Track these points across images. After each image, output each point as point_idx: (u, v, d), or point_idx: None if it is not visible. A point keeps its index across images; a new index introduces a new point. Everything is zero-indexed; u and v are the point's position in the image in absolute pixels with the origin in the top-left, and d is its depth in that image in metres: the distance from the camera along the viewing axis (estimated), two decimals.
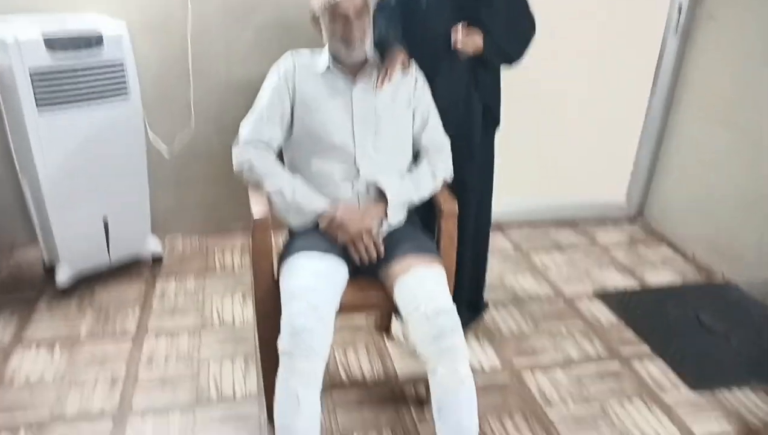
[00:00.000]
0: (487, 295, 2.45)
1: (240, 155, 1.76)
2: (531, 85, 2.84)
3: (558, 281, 2.66)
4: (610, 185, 3.25)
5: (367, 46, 1.76)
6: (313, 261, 1.61)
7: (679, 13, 2.87)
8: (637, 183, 3.24)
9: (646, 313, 2.44)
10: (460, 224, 1.79)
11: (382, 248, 1.69)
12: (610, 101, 3.02)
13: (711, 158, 2.82)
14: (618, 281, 2.68)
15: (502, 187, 2.97)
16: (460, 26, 1.89)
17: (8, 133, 2.37)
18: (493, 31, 1.93)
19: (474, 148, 2.06)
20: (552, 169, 3.07)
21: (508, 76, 2.73)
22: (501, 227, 3.08)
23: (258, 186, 1.73)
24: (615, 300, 2.52)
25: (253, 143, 1.76)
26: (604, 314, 2.43)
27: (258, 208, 1.66)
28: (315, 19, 1.77)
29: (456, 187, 1.89)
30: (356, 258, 1.68)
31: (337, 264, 1.66)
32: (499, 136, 2.57)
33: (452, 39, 1.90)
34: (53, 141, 2.15)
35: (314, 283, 1.54)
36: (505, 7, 1.97)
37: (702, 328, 2.36)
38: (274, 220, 1.65)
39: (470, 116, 2.04)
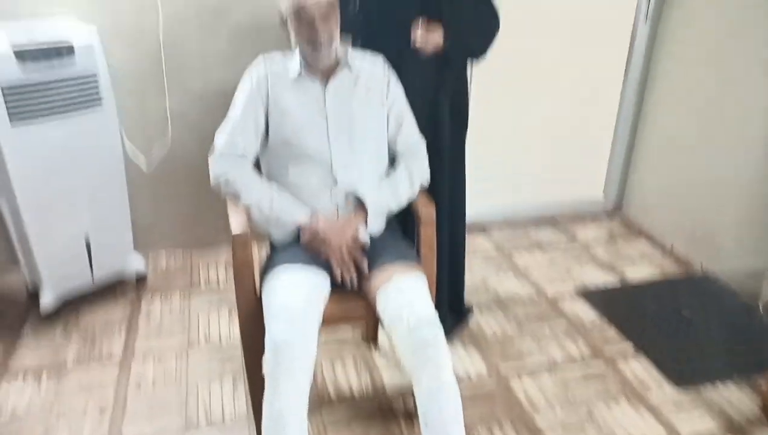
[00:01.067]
0: (471, 298, 2.48)
1: (216, 168, 1.75)
2: (502, 82, 2.89)
3: (540, 281, 2.69)
4: (588, 181, 3.29)
5: (334, 48, 1.75)
6: (294, 275, 1.61)
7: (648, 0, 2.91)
8: (613, 177, 3.28)
9: (628, 310, 2.49)
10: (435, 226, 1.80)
11: (365, 265, 1.70)
12: (582, 95, 3.06)
13: (685, 147, 2.86)
14: (599, 278, 2.72)
15: (481, 188, 3.01)
16: (420, 22, 1.87)
17: None
18: (455, 27, 1.90)
19: (443, 149, 2.04)
20: (529, 168, 3.11)
21: (478, 75, 2.77)
22: (482, 228, 3.11)
23: (235, 199, 1.73)
24: (596, 298, 2.56)
25: (228, 155, 1.75)
26: (586, 313, 2.47)
27: (237, 223, 1.66)
28: (283, 22, 1.76)
29: (427, 188, 1.89)
30: (338, 275, 1.69)
31: (319, 276, 1.66)
32: (474, 137, 2.56)
33: (411, 36, 1.87)
34: (28, 156, 2.13)
35: (295, 299, 1.55)
36: (469, 2, 1.95)
37: (683, 323, 2.40)
38: (255, 233, 1.65)
39: (438, 116, 2.02)
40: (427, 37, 1.87)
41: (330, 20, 1.70)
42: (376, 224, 1.78)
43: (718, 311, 2.49)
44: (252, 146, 1.77)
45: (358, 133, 1.77)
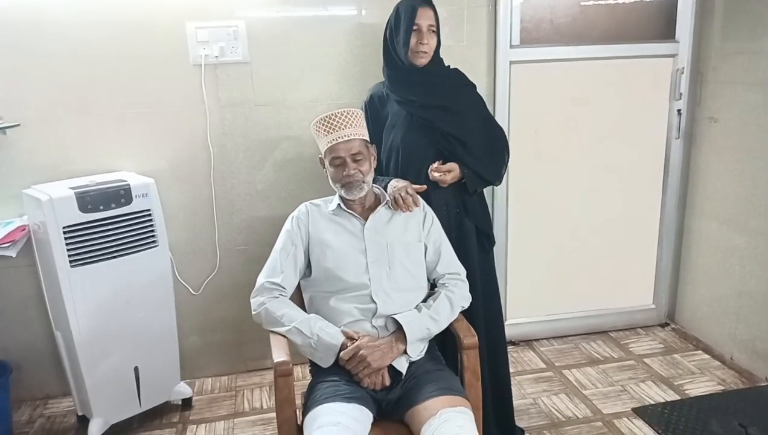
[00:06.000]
0: (521, 420, 2.38)
1: (255, 301, 1.82)
2: (544, 196, 2.92)
3: (595, 399, 2.57)
4: (636, 291, 3.19)
5: (367, 188, 1.85)
6: (335, 411, 1.59)
7: (679, 116, 2.95)
8: (662, 287, 3.19)
9: (690, 429, 2.34)
10: None
11: (387, 379, 1.72)
12: (624, 208, 3.04)
13: (734, 257, 2.78)
14: (657, 395, 2.59)
15: (526, 301, 2.99)
16: (435, 164, 2.02)
17: (43, 288, 2.46)
18: (469, 164, 2.05)
19: (473, 270, 2.09)
20: (575, 280, 3.06)
21: (519, 196, 2.83)
22: (530, 343, 3.04)
23: (276, 326, 1.77)
24: (655, 416, 2.42)
25: (266, 288, 1.82)
26: (645, 433, 2.33)
27: (279, 351, 1.69)
28: (322, 161, 1.88)
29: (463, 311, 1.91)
30: (365, 384, 1.70)
31: (361, 411, 1.64)
32: (517, 250, 2.52)
33: (429, 172, 2.02)
34: (85, 295, 2.22)
35: None
36: (481, 141, 2.10)
37: None
38: (297, 358, 1.65)
39: (464, 240, 2.11)
40: (443, 174, 2.02)
41: (361, 162, 1.81)
42: (416, 350, 1.77)
43: None
44: (290, 281, 1.85)
45: (397, 264, 1.83)
